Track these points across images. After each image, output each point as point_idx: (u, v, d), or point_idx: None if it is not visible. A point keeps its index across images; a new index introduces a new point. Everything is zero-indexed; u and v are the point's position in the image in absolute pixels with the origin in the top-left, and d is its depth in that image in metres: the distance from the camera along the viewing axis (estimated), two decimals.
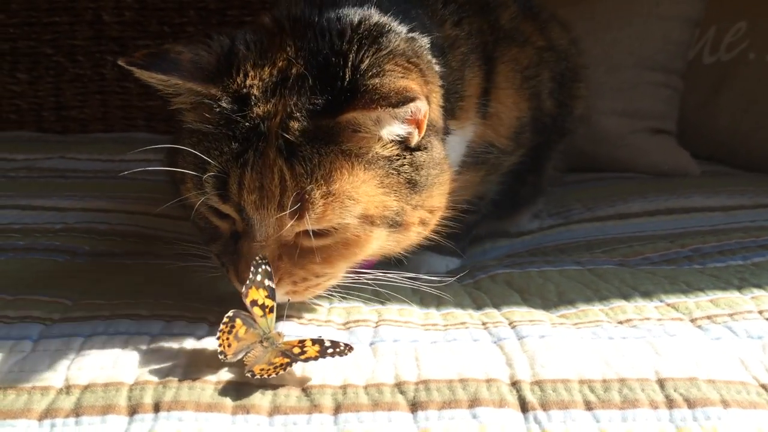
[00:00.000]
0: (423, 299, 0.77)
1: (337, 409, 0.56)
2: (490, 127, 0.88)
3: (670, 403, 0.56)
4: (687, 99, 1.60)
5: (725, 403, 0.55)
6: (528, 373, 0.59)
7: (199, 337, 0.65)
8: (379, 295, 0.77)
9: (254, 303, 0.62)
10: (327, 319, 0.70)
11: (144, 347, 0.63)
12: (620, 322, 0.70)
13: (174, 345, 0.63)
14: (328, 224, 0.63)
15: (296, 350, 0.59)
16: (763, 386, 0.58)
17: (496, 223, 1.08)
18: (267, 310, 0.63)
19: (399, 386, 0.58)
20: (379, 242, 0.68)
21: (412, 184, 0.67)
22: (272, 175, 0.61)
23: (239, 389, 0.57)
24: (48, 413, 0.55)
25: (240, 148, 0.62)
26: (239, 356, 0.60)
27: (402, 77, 0.66)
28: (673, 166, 1.48)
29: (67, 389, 0.57)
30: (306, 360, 0.58)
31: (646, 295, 0.76)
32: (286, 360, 0.58)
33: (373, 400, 0.57)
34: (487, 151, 0.89)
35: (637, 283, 0.80)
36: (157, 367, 0.59)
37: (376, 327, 0.69)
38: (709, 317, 0.69)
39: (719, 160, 1.59)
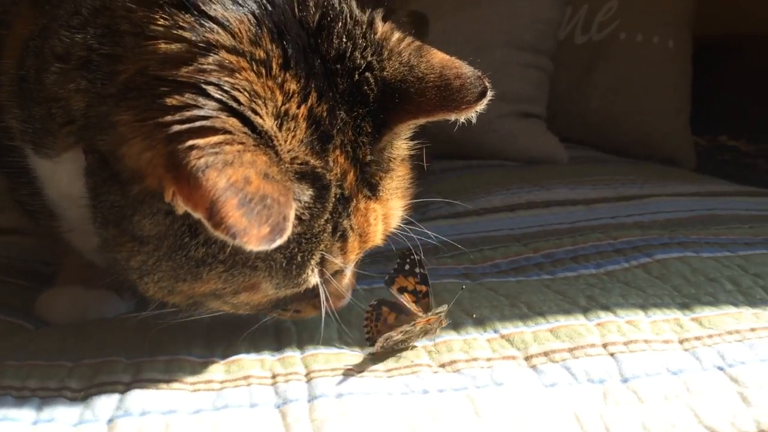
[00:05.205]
0: (210, 343, 0.61)
1: None
2: None
3: None
4: (559, 80, 1.53)
5: None
6: None
7: None
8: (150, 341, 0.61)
9: (403, 290, 0.64)
10: (61, 386, 0.53)
11: None
12: (443, 365, 0.57)
13: None
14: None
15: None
16: None
17: None
18: (420, 295, 0.64)
19: None
20: None
21: None
22: (369, 221, 0.57)
23: None
24: None
25: (332, 224, 0.54)
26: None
27: (426, 51, 0.56)
28: (542, 152, 1.40)
29: None
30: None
31: (480, 323, 0.64)
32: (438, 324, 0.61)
33: None
34: None
35: (474, 305, 0.67)
36: None
37: (123, 393, 0.52)
38: (546, 354, 0.58)
39: (591, 144, 1.54)
